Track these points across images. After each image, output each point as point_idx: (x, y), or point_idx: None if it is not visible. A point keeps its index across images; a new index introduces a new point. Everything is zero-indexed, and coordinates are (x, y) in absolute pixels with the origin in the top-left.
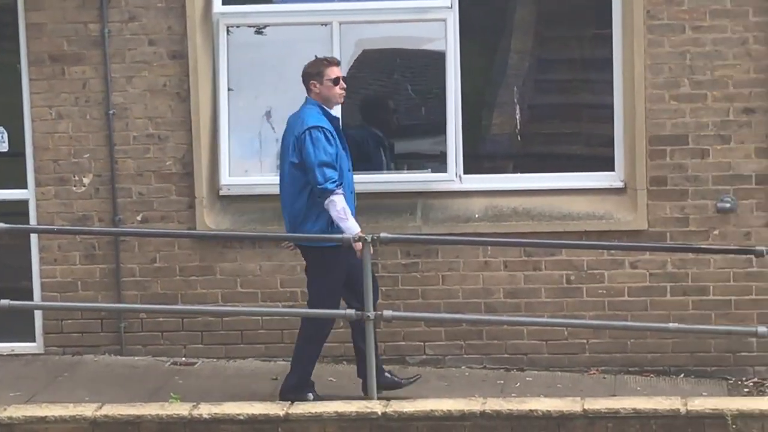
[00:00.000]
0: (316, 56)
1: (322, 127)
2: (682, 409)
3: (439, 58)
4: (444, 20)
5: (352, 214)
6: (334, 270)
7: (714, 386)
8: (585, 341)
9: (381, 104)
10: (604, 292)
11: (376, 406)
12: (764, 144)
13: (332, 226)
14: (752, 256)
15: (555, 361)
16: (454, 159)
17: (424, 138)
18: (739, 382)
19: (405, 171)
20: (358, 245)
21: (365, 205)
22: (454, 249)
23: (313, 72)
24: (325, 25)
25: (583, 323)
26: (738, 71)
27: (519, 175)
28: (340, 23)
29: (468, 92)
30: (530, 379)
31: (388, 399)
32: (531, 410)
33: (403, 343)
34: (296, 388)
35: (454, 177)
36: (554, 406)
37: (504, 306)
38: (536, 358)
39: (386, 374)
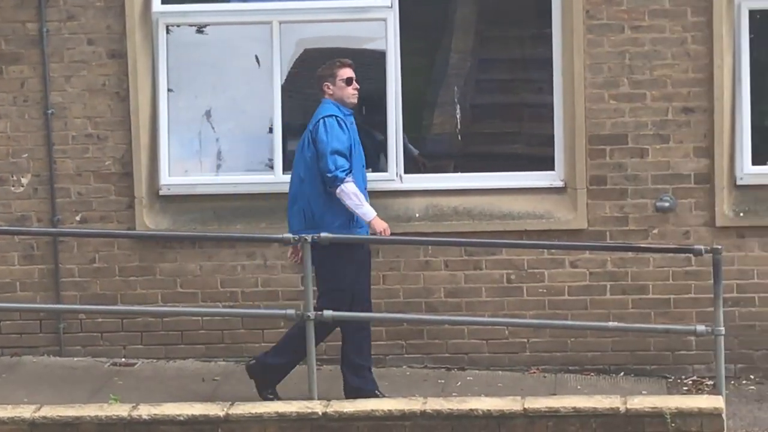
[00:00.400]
0: (331, 60)
1: (335, 116)
2: (622, 408)
3: (380, 57)
4: (384, 20)
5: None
6: (347, 267)
7: (653, 385)
8: (525, 340)
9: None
10: (545, 291)
11: (316, 407)
12: (703, 143)
13: (352, 224)
14: (691, 255)
15: (496, 360)
16: (395, 159)
17: (365, 138)
18: (679, 381)
19: None
20: (378, 227)
21: None
22: (394, 249)
23: (326, 74)
24: (266, 24)
25: (524, 322)
26: (677, 71)
27: (459, 174)
28: (280, 22)
29: (408, 92)
30: (471, 378)
31: (329, 399)
32: (471, 409)
33: None
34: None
35: (394, 177)
36: (495, 405)
37: (445, 305)
38: (477, 357)
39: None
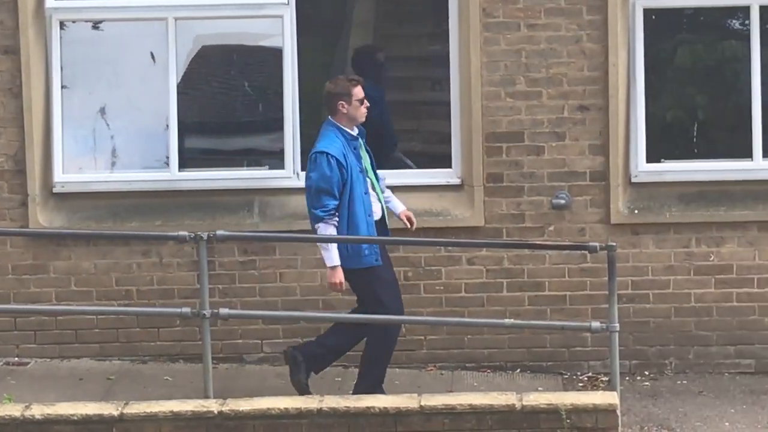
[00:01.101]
0: (339, 77)
1: (326, 153)
2: (518, 405)
3: (277, 54)
4: (281, 17)
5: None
6: (376, 284)
7: (549, 381)
8: (423, 338)
9: (218, 101)
10: (442, 288)
11: (212, 405)
12: (598, 141)
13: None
14: (586, 252)
15: (393, 357)
16: (292, 156)
17: (262, 135)
18: (574, 377)
19: (243, 168)
20: (333, 278)
21: (202, 202)
22: (292, 246)
23: (342, 92)
24: (161, 20)
25: (421, 320)
26: (572, 69)
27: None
28: (176, 19)
29: (306, 89)
30: None
31: (225, 398)
32: (368, 407)
33: (241, 341)
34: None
35: (291, 174)
36: (391, 403)
37: (342, 303)
38: None
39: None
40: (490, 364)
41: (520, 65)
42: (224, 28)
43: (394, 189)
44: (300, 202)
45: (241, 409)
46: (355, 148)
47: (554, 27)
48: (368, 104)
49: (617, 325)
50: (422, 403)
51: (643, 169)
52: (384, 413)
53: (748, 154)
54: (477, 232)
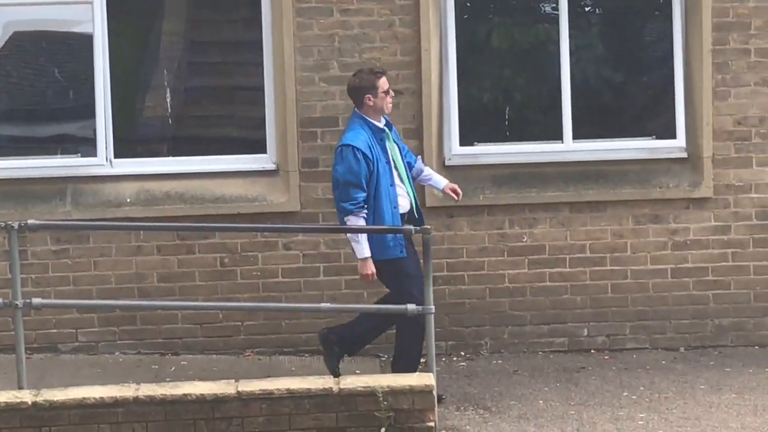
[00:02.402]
0: (361, 69)
1: (352, 146)
2: (335, 388)
3: (88, 40)
4: (91, 2)
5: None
6: (402, 276)
7: (367, 364)
8: (240, 323)
9: (30, 88)
10: (258, 274)
11: (26, 396)
12: (412, 125)
13: (386, 241)
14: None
15: (210, 344)
16: (104, 143)
17: (74, 122)
18: (392, 359)
19: (55, 156)
20: (365, 269)
21: (14, 191)
22: (106, 234)
23: (368, 86)
24: None
25: (238, 306)
26: (385, 53)
27: (171, 158)
28: None
29: (118, 75)
30: (185, 363)
31: (39, 388)
32: (185, 394)
33: (55, 331)
34: None
35: (104, 161)
36: (208, 389)
37: (158, 290)
38: (191, 342)
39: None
40: (308, 349)
41: (334, 50)
42: (36, 14)
43: (208, 175)
44: (114, 190)
45: (55, 399)
46: (381, 140)
47: (367, 12)
48: (393, 94)
49: (433, 307)
50: (239, 389)
51: (457, 152)
52: (201, 400)
53: (559, 136)
54: (293, 217)
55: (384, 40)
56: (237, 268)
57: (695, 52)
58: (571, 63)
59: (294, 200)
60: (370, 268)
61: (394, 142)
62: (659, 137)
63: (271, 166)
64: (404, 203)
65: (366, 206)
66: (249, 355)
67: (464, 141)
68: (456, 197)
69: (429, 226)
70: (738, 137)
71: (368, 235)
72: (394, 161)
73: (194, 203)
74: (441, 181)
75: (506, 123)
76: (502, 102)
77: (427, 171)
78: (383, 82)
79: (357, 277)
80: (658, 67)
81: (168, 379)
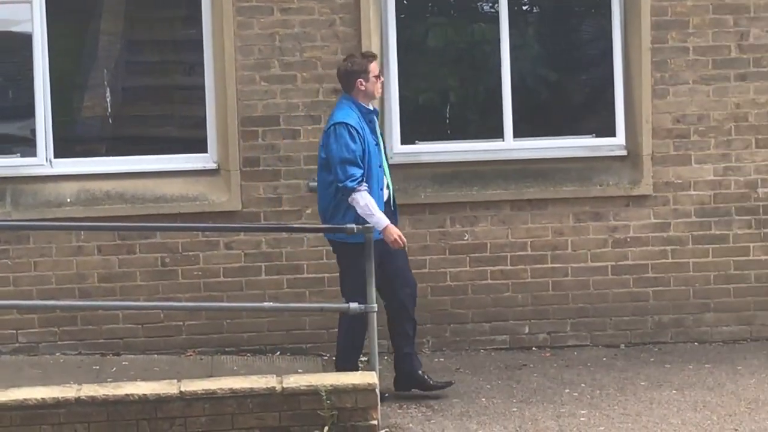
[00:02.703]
0: (352, 54)
1: (346, 124)
2: (278, 387)
3: (27, 40)
4: (29, 2)
5: (383, 209)
6: (358, 264)
7: (309, 363)
8: (181, 323)
9: None
10: (200, 273)
11: None
12: None
13: (360, 221)
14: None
15: (151, 344)
16: (44, 143)
17: (13, 122)
18: (334, 358)
19: None
20: (390, 237)
21: None
22: (46, 235)
23: (359, 70)
24: None
25: (179, 305)
26: (326, 52)
27: (112, 158)
28: None
29: (58, 75)
30: (127, 363)
31: None
32: (127, 395)
33: None
34: None
35: (44, 161)
36: (151, 389)
37: (99, 291)
38: (132, 342)
39: (420, 372)
40: (249, 348)
41: (275, 49)
42: None
43: (149, 175)
44: (55, 190)
45: None
46: (371, 121)
47: (308, 11)
48: (383, 78)
49: (375, 305)
50: (182, 389)
51: (399, 150)
52: (143, 400)
53: (499, 134)
54: (234, 217)
55: (325, 39)
56: (178, 267)
57: (634, 51)
58: (512, 62)
59: (235, 199)
60: (395, 233)
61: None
62: (599, 135)
63: (212, 166)
64: (385, 191)
65: (365, 183)
66: (190, 355)
67: (405, 140)
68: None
69: (371, 224)
70: (677, 135)
71: (344, 217)
72: (380, 146)
73: (135, 203)
74: None
75: (447, 121)
76: (443, 101)
77: None
78: (374, 67)
79: (300, 275)
80: (597, 65)
81: (109, 380)
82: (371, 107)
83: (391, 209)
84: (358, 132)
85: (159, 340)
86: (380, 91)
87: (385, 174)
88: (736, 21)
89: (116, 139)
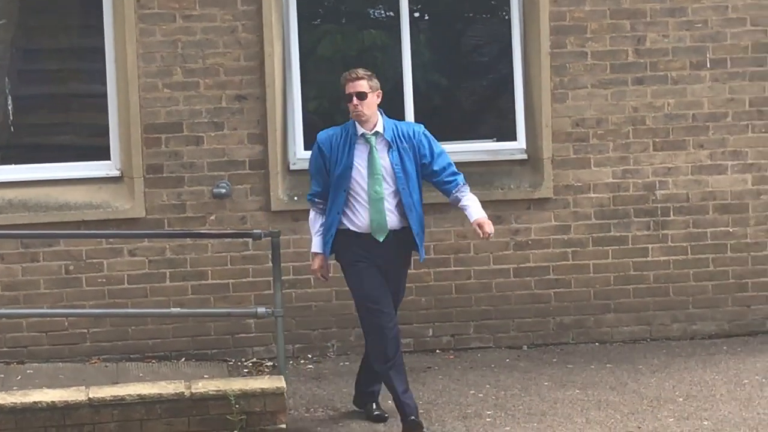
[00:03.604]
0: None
1: (318, 141)
2: (187, 393)
3: None
4: None
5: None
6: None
7: (215, 368)
8: (86, 330)
9: None
10: (104, 280)
11: None
12: (256, 130)
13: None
14: (249, 240)
15: (56, 352)
16: None
17: None
18: (239, 363)
19: None
20: (313, 264)
21: None
22: None
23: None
24: None
25: (84, 312)
26: (229, 59)
27: (13, 166)
28: None
29: None
30: (32, 371)
31: None
32: (35, 402)
33: None
34: None
35: None
36: (59, 396)
37: (2, 299)
38: (37, 350)
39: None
40: (154, 354)
41: (177, 56)
42: None
43: (52, 183)
44: None
45: None
46: (356, 143)
47: (209, 17)
48: (356, 102)
49: (282, 309)
50: (90, 396)
51: (302, 156)
52: (52, 407)
53: None
54: (138, 224)
55: (227, 45)
56: (82, 275)
57: (534, 56)
58: (413, 67)
59: (139, 206)
60: (315, 265)
61: (397, 153)
62: (500, 139)
63: (116, 173)
64: (359, 223)
65: (318, 201)
66: (95, 362)
67: (309, 145)
68: (481, 234)
69: (278, 230)
70: (576, 138)
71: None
72: (374, 173)
73: (38, 211)
74: (473, 214)
75: None
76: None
77: (465, 201)
78: (346, 87)
79: (204, 281)
80: (497, 70)
81: (15, 388)
82: (360, 130)
83: (383, 243)
84: (320, 149)
85: (63, 348)
86: (352, 114)
87: (368, 205)
88: (633, 26)
89: (18, 147)
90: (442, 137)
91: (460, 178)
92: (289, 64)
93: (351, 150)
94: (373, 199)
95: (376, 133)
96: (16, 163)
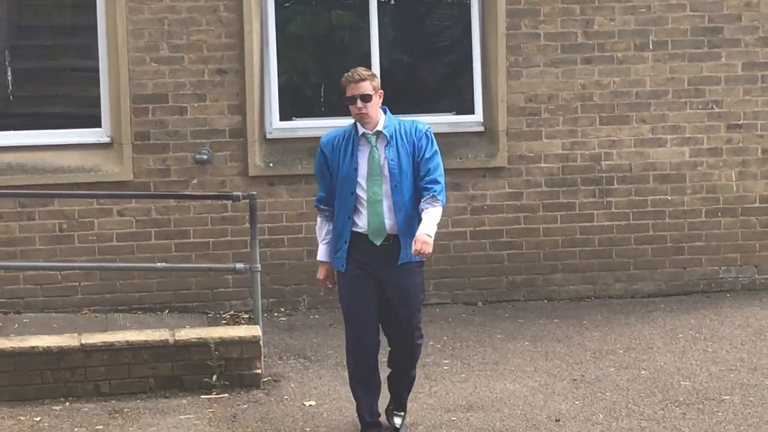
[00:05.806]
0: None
1: (321, 145)
2: (171, 340)
3: None
4: None
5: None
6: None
7: (196, 320)
8: (78, 284)
9: None
10: (95, 238)
11: None
12: (236, 102)
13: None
14: (228, 202)
15: (50, 303)
16: None
17: None
18: (218, 315)
19: None
20: (318, 273)
21: None
22: None
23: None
24: None
25: (76, 266)
26: (211, 36)
27: (12, 132)
28: None
29: None
30: (27, 320)
31: None
32: (32, 347)
33: None
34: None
35: None
36: (54, 342)
37: (0, 254)
38: (32, 301)
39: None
40: (140, 306)
41: (164, 32)
42: None
43: (47, 148)
44: None
45: None
46: (357, 144)
47: None
48: (360, 105)
49: (259, 265)
50: (83, 342)
51: (277, 126)
52: (47, 352)
53: None
54: (126, 186)
55: (210, 23)
56: (74, 233)
57: (491, 36)
58: (380, 46)
59: (127, 170)
60: (320, 274)
61: (396, 153)
62: (459, 113)
63: (106, 140)
64: (361, 224)
65: (324, 208)
66: (86, 313)
67: (284, 116)
68: (412, 249)
69: (255, 192)
70: (529, 113)
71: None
72: (369, 174)
73: (34, 173)
74: (419, 228)
75: (321, 100)
76: (318, 81)
77: (425, 213)
78: (348, 89)
79: (186, 240)
80: (458, 49)
81: (12, 335)
82: (362, 131)
83: (387, 243)
84: (323, 152)
85: (57, 300)
86: (356, 117)
87: (367, 205)
88: (582, 10)
89: (18, 115)
90: (405, 111)
91: (436, 188)
92: (266, 41)
93: (354, 151)
94: (371, 200)
95: (378, 133)
96: (15, 130)
